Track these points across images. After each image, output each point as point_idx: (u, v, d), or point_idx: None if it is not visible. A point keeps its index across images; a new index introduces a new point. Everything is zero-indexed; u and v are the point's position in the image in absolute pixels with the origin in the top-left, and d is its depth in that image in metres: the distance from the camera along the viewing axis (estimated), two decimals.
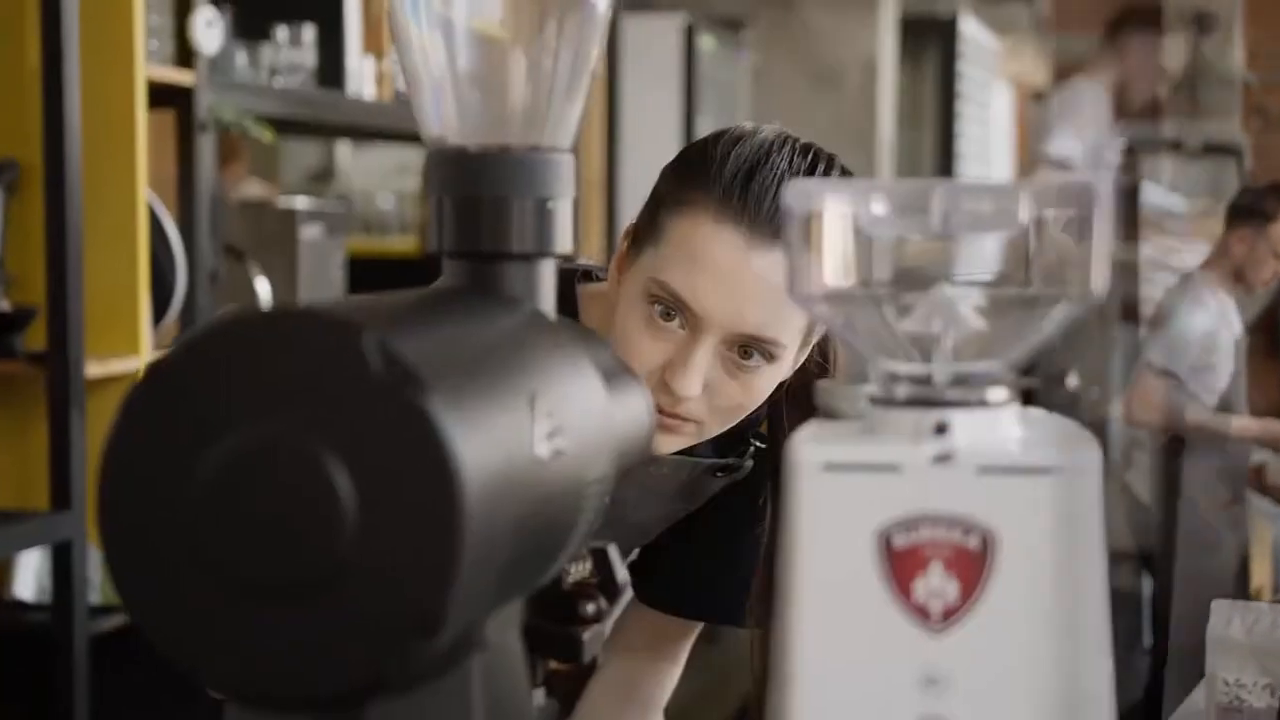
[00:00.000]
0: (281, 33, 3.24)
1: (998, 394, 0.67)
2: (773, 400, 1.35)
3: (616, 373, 0.81)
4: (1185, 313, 4.42)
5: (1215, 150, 7.35)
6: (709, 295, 1.25)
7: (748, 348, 1.27)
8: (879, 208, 0.66)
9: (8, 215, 2.55)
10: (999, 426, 0.66)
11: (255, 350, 0.59)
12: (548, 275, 0.76)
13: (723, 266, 1.25)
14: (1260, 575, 4.84)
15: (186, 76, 2.81)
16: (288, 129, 3.61)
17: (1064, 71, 7.83)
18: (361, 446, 0.58)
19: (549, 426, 0.66)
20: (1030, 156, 4.61)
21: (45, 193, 2.46)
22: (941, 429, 0.65)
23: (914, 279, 0.67)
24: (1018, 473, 0.64)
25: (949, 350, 0.67)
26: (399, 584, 0.58)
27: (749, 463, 1.44)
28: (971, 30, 7.53)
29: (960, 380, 0.67)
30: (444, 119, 0.75)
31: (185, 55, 2.81)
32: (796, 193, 0.67)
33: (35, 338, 2.50)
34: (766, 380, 1.30)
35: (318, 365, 0.59)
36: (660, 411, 1.26)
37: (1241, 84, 6.32)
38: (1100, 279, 0.65)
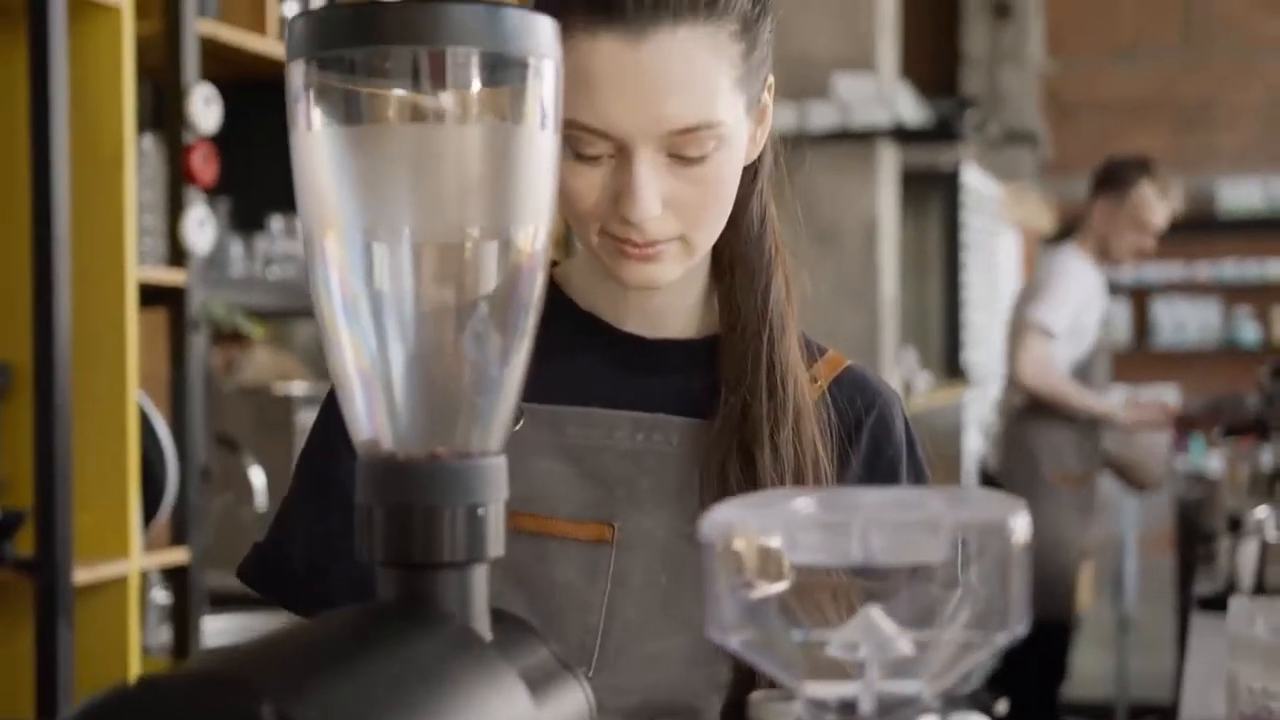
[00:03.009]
0: (276, 223, 3.26)
1: None
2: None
3: (551, 675, 0.79)
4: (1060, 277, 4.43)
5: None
6: (614, 110, 1.15)
7: (685, 152, 1.18)
8: (800, 536, 0.65)
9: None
10: None
11: None
12: (479, 583, 0.75)
13: (613, 75, 1.15)
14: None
15: (178, 276, 2.80)
16: (285, 315, 3.62)
17: (1068, 214, 7.87)
18: None
19: None
20: (1017, 317, 4.51)
21: (34, 396, 2.45)
22: None
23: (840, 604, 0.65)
24: None
25: (875, 677, 0.65)
26: None
27: None
28: (974, 180, 7.58)
29: (888, 709, 0.65)
30: (375, 424, 0.74)
31: (178, 253, 2.81)
32: (714, 523, 0.65)
33: (24, 543, 2.48)
34: (724, 166, 1.21)
35: None
36: (636, 245, 1.20)
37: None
38: (1020, 615, 0.63)
